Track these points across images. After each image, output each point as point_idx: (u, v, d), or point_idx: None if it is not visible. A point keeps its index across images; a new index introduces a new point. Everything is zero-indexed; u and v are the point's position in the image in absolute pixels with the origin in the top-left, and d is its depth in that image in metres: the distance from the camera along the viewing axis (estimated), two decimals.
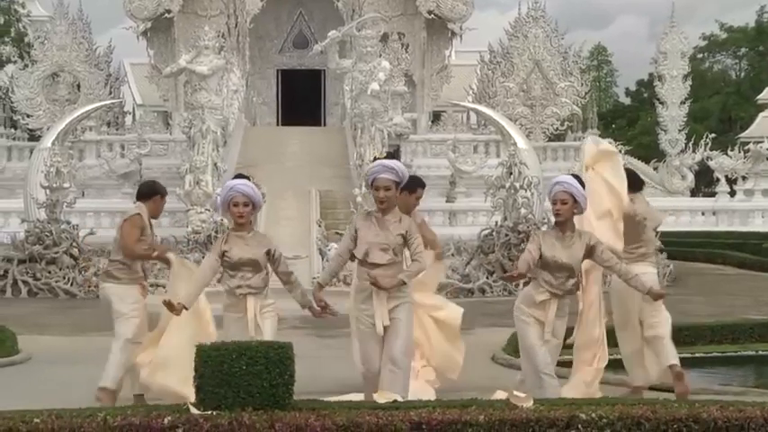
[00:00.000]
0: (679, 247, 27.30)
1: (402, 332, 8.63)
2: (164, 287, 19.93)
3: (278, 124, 42.44)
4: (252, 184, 8.88)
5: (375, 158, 9.03)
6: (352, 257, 8.81)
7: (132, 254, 9.91)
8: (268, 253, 8.78)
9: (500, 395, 9.03)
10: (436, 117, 40.14)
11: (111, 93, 39.49)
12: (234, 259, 8.69)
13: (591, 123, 39.89)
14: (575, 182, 8.78)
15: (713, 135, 40.12)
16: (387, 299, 8.59)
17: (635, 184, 10.31)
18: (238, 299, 8.74)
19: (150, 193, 10.24)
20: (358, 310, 8.76)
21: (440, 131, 38.18)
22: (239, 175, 9.16)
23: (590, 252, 8.73)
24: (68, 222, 22.43)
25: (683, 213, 36.24)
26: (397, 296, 8.64)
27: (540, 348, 8.68)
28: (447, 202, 32.26)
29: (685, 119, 40.85)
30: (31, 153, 29.56)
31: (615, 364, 12.28)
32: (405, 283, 8.63)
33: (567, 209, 8.70)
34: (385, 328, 8.60)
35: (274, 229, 22.98)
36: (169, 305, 8.81)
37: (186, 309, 8.85)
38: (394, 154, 9.47)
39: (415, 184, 9.90)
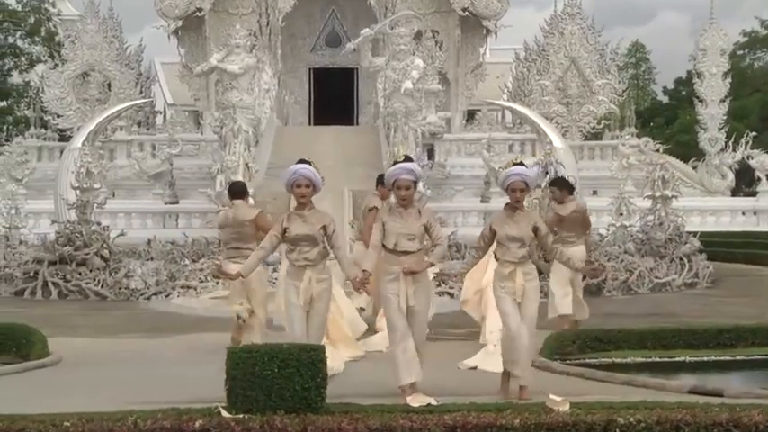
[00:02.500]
0: (719, 247, 27.12)
1: (421, 315, 10.12)
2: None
3: (310, 123, 42.42)
4: (313, 168, 10.10)
5: (395, 162, 10.29)
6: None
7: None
8: (323, 228, 9.98)
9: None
10: (470, 116, 40.01)
11: (141, 92, 39.61)
12: (292, 235, 9.97)
13: (628, 122, 39.65)
14: (526, 170, 10.48)
15: (754, 133, 39.77)
16: (411, 280, 10.00)
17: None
18: (297, 269, 10.01)
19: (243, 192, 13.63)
20: (386, 290, 10.03)
21: (474, 130, 38.03)
22: (302, 161, 10.27)
23: (534, 231, 10.31)
24: (99, 223, 22.48)
25: (724, 213, 35.97)
26: (418, 278, 10.04)
27: (513, 316, 10.21)
28: (482, 202, 32.17)
29: (725, 117, 40.52)
30: (62, 153, 29.70)
31: (653, 368, 12.24)
32: (433, 265, 10.29)
33: (524, 195, 10.41)
34: (409, 307, 9.99)
35: None
36: (224, 272, 10.99)
37: (243, 277, 10.66)
38: (410, 157, 10.85)
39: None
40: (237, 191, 13.95)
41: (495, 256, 10.52)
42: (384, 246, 10.02)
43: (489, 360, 11.78)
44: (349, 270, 10.14)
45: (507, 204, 10.46)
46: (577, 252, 14.07)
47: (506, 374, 10.34)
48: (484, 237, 10.49)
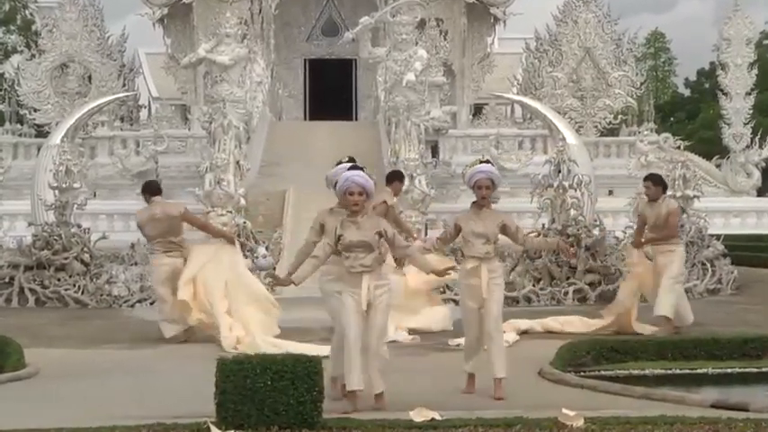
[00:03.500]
0: (744, 251, 27.07)
1: (380, 314, 10.56)
2: None
3: (305, 118, 42.48)
4: (365, 174, 10.67)
5: (339, 162, 11.51)
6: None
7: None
8: (381, 234, 10.54)
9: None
10: (478, 110, 40.04)
11: (124, 85, 39.60)
12: (346, 241, 10.49)
13: (647, 117, 39.61)
14: (493, 168, 11.35)
15: None
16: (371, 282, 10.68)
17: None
18: (353, 276, 10.49)
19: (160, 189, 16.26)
20: (347, 291, 10.53)
21: (481, 126, 38.04)
22: (354, 167, 10.95)
23: (503, 229, 11.21)
24: (79, 226, 22.45)
25: (749, 215, 35.93)
26: (380, 280, 10.71)
27: (473, 314, 11.14)
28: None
29: (751, 111, 40.44)
30: (39, 150, 29.70)
31: (673, 380, 12.25)
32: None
33: (489, 193, 11.25)
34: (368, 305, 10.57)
35: (302, 230, 22.97)
36: (277, 279, 11.66)
37: (296, 285, 11.00)
38: (354, 159, 11.84)
39: (394, 177, 16.04)
40: (155, 189, 16.42)
41: (462, 253, 11.50)
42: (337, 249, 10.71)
43: None
44: (426, 264, 11.13)
45: (474, 202, 11.37)
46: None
47: (472, 377, 11.24)
48: (448, 232, 11.50)
